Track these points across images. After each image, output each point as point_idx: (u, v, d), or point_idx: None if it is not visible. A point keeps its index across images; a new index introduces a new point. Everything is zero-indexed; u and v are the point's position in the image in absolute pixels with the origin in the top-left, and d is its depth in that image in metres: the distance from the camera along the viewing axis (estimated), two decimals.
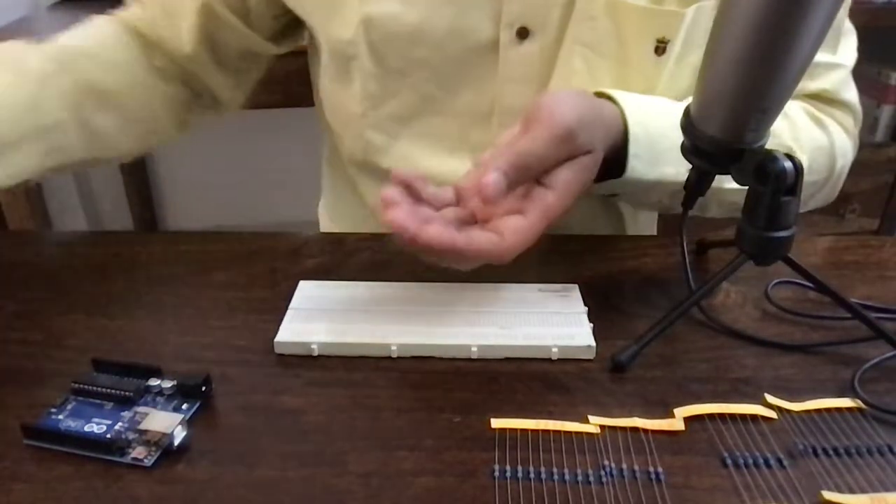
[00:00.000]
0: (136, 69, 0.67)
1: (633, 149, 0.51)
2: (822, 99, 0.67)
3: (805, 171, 0.50)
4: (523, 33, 0.59)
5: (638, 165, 0.52)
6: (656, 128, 0.52)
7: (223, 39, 0.68)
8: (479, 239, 0.44)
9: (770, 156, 0.43)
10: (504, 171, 0.44)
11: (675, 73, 0.61)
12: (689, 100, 0.47)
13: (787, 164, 0.42)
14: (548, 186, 0.47)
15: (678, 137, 0.48)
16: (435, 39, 0.59)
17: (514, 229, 0.45)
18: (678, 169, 0.52)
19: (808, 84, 0.66)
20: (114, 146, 0.66)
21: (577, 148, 0.47)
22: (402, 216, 0.42)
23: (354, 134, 0.68)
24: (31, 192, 1.46)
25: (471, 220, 0.48)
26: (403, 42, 0.60)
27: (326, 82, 0.68)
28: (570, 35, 0.59)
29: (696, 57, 0.60)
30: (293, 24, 0.71)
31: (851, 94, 0.67)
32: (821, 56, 0.65)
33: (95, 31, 0.67)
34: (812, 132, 0.64)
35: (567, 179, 0.47)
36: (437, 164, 0.65)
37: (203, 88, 0.72)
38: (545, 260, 0.55)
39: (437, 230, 0.42)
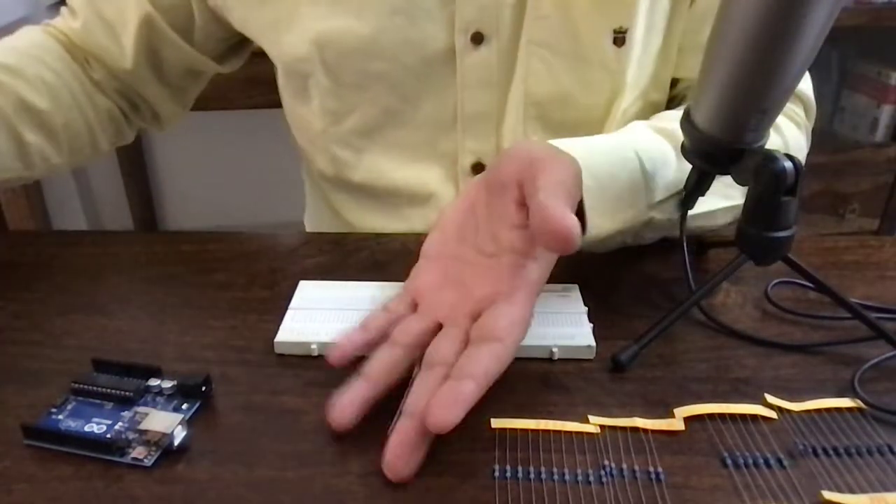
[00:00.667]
0: (71, 84, 0.64)
1: (588, 201, 0.46)
2: None
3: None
4: (478, 38, 0.58)
5: (596, 219, 0.47)
6: (604, 173, 0.47)
7: (165, 56, 0.67)
8: (478, 365, 0.37)
9: (770, 156, 0.43)
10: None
11: (641, 63, 0.59)
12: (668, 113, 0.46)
13: (787, 164, 0.42)
14: (527, 256, 0.41)
15: (627, 177, 0.46)
16: (390, 52, 0.58)
17: (509, 325, 0.39)
18: (638, 209, 0.48)
19: None
20: (44, 163, 0.61)
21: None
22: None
23: (320, 149, 0.67)
24: (31, 192, 1.47)
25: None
26: (358, 57, 0.59)
27: (287, 99, 0.67)
28: (525, 36, 0.58)
29: (658, 41, 0.60)
30: (238, 45, 0.70)
31: (802, 85, 0.65)
32: None
33: (29, 44, 0.64)
34: None
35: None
36: (406, 175, 0.64)
37: (142, 102, 0.71)
38: None
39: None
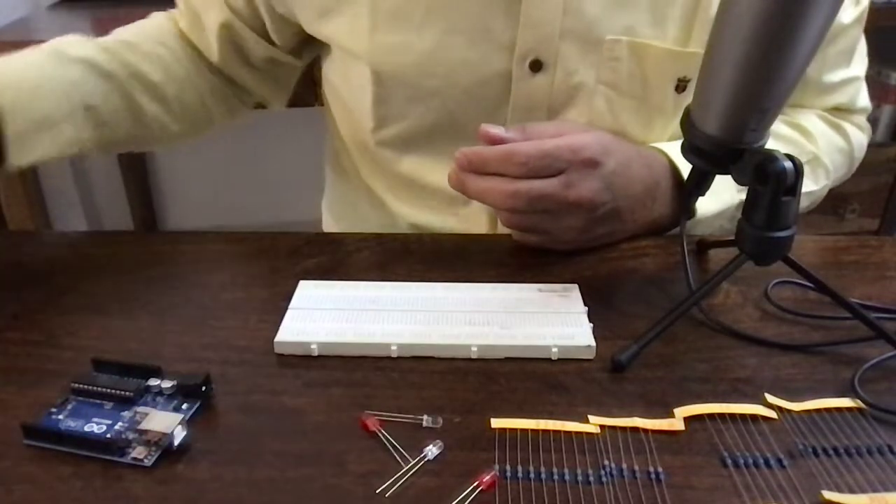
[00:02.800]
0: (184, 61, 0.69)
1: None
2: (840, 111, 0.71)
3: (831, 172, 0.66)
4: (536, 66, 0.58)
5: (702, 202, 0.55)
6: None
7: (249, 49, 0.70)
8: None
9: (770, 156, 0.43)
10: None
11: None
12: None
13: (787, 164, 0.42)
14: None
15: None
16: (445, 70, 0.59)
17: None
18: (732, 193, 0.57)
19: (827, 100, 0.71)
20: (163, 131, 0.68)
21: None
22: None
23: (361, 144, 0.69)
24: (31, 193, 1.47)
25: None
26: (413, 72, 0.60)
27: (343, 90, 0.69)
28: (594, 75, 0.59)
29: None
30: (312, 39, 0.70)
31: (865, 100, 0.73)
32: (836, 74, 0.69)
33: (153, 26, 0.70)
34: (831, 138, 0.69)
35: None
36: (439, 180, 0.63)
37: (242, 89, 0.74)
38: (545, 260, 0.55)
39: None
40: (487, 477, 0.35)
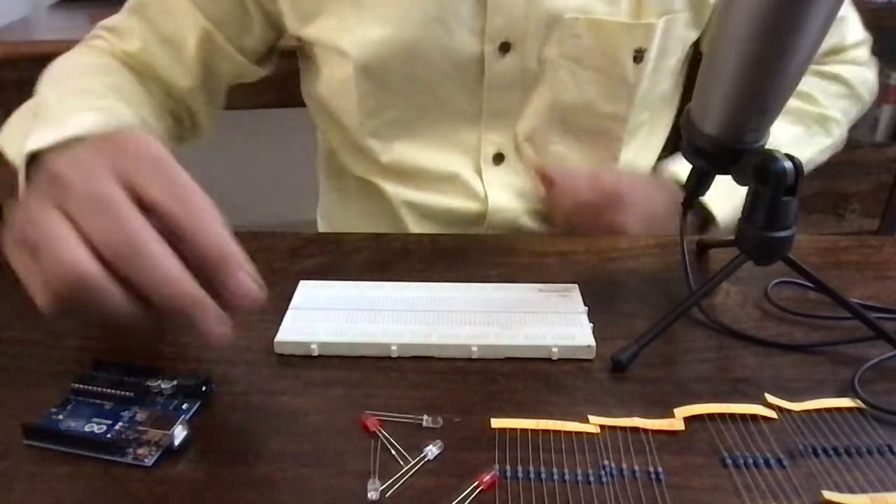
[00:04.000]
0: (146, 98, 0.65)
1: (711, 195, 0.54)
2: (834, 53, 0.75)
3: (842, 120, 0.73)
4: (505, 47, 0.64)
5: (716, 201, 0.63)
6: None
7: (220, 70, 0.70)
8: None
9: (770, 156, 0.43)
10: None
11: (653, 78, 0.68)
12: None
13: (787, 164, 0.42)
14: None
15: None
16: (427, 56, 0.64)
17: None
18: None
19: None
20: None
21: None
22: None
23: (348, 137, 0.71)
24: None
25: None
26: (399, 61, 0.64)
27: (325, 96, 0.70)
28: (557, 50, 0.64)
29: (672, 61, 0.69)
30: (274, 49, 0.73)
31: (856, 31, 0.76)
32: None
33: (98, 63, 0.64)
34: (827, 88, 0.74)
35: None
36: (433, 159, 0.70)
37: (188, 117, 0.72)
38: (545, 260, 0.55)
39: None
40: (487, 477, 0.35)
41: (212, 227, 0.35)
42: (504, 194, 0.70)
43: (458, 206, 0.71)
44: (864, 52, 0.77)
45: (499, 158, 0.70)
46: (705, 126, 0.45)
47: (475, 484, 0.35)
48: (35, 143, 0.44)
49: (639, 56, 0.65)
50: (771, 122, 0.44)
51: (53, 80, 0.59)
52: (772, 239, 0.44)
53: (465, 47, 0.64)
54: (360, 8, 0.63)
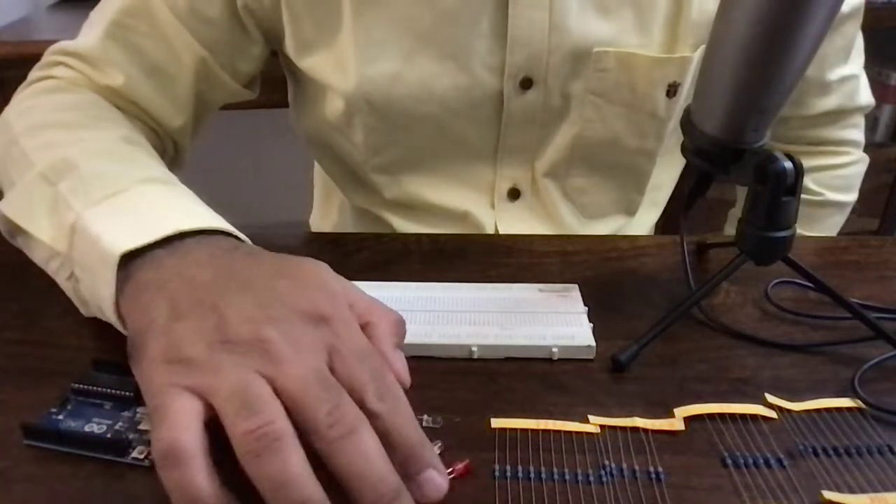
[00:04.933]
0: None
1: None
2: (838, 113, 0.73)
3: (843, 202, 0.76)
4: (526, 84, 0.59)
5: None
6: None
7: (211, 99, 0.63)
8: None
9: (770, 156, 0.43)
10: None
11: (683, 107, 0.63)
12: None
13: (787, 164, 0.42)
14: None
15: None
16: (438, 96, 0.59)
17: None
18: None
19: (826, 101, 0.72)
20: None
21: None
22: None
23: (352, 174, 0.68)
24: None
25: None
26: (407, 101, 0.59)
27: (324, 128, 0.66)
28: (582, 85, 0.59)
29: None
30: (260, 69, 0.67)
31: (867, 97, 0.74)
32: (834, 72, 0.70)
33: (87, 101, 0.56)
34: (830, 181, 0.77)
35: None
36: (443, 197, 0.66)
37: (172, 148, 0.65)
38: (545, 260, 0.55)
39: None
40: (461, 465, 0.35)
41: (411, 421, 0.32)
42: (515, 231, 0.66)
43: None
44: (861, 118, 0.77)
45: (514, 194, 0.66)
46: (705, 126, 0.45)
47: (448, 470, 0.34)
48: (136, 240, 0.37)
49: (672, 90, 0.60)
50: (771, 122, 0.44)
51: (60, 142, 0.49)
52: (772, 239, 0.44)
53: (482, 84, 0.59)
54: (366, 40, 0.57)
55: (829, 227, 0.79)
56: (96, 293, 0.39)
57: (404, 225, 0.68)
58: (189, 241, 0.38)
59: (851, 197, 0.79)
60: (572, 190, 0.66)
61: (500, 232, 0.66)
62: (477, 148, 0.63)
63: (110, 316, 0.38)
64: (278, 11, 0.59)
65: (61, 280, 0.44)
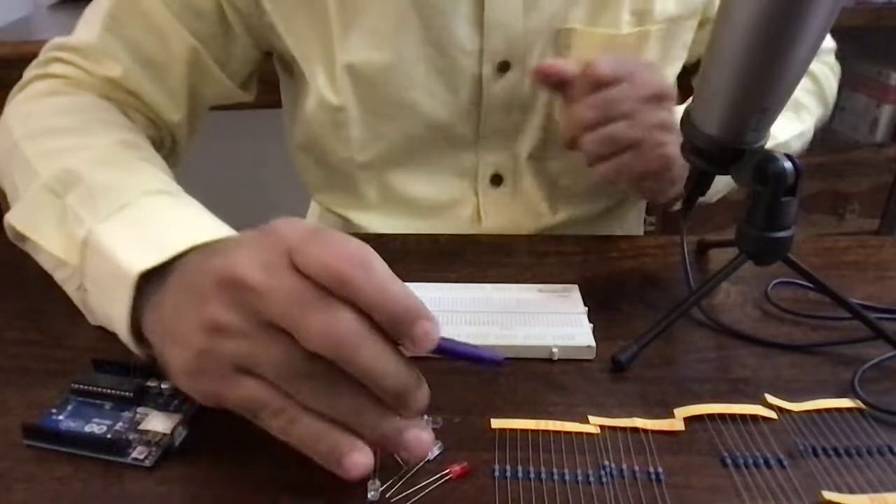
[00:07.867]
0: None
1: None
2: None
3: (813, 114, 0.70)
4: (504, 66, 0.61)
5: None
6: None
7: (205, 93, 0.63)
8: None
9: (770, 156, 0.43)
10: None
11: None
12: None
13: (787, 165, 0.42)
14: None
15: None
16: (420, 81, 0.61)
17: None
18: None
19: None
20: None
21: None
22: None
23: (336, 171, 0.68)
24: None
25: None
26: (391, 87, 0.61)
27: (311, 125, 0.66)
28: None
29: (674, 69, 0.66)
30: (255, 71, 0.68)
31: (828, 40, 0.73)
32: None
33: (86, 103, 0.56)
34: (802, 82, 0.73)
35: None
36: (426, 189, 0.67)
37: (170, 141, 0.65)
38: (545, 260, 0.55)
39: None
40: (458, 467, 0.35)
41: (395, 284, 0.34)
42: (499, 217, 0.68)
43: (451, 231, 0.64)
44: (832, 58, 0.76)
45: (497, 180, 0.67)
46: (705, 126, 0.45)
47: (444, 472, 0.35)
48: (151, 258, 0.38)
49: None
50: (771, 122, 0.44)
51: (62, 150, 0.49)
52: (772, 239, 0.44)
53: (462, 70, 0.60)
54: (347, 30, 0.59)
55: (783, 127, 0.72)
56: (107, 309, 0.40)
57: (391, 223, 0.68)
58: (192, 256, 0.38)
59: (811, 105, 0.74)
60: (553, 173, 0.67)
61: (485, 219, 0.67)
62: (460, 134, 0.64)
63: (123, 334, 0.39)
64: (261, 6, 0.59)
65: (69, 289, 0.45)
